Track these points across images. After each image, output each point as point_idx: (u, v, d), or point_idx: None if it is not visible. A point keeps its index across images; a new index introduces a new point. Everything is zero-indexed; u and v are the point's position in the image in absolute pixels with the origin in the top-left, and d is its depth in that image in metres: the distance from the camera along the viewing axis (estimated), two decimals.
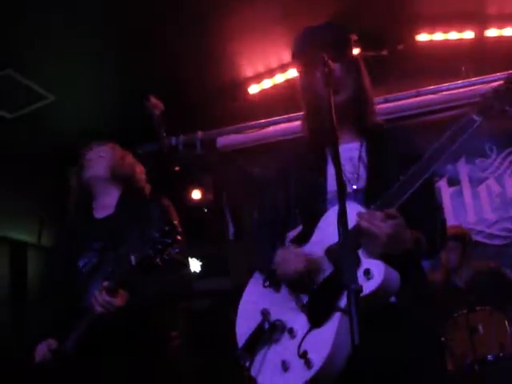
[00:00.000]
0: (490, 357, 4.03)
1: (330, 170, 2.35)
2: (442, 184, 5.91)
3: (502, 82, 2.17)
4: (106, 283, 2.71)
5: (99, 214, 3.11)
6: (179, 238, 2.71)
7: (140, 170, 3.26)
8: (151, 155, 5.63)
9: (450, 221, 5.61)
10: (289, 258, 2.22)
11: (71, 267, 2.99)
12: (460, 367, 4.08)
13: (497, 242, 5.81)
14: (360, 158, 2.34)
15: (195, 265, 6.26)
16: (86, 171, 3.16)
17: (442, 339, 4.06)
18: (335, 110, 2.00)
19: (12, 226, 6.06)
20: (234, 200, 6.37)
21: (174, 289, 2.97)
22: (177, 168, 5.82)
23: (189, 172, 6.12)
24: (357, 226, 2.04)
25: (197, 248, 6.17)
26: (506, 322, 4.17)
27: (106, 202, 3.12)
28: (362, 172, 2.31)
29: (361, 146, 2.37)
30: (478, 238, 5.75)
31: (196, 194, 6.24)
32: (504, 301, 4.47)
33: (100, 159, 3.17)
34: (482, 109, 2.14)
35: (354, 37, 2.48)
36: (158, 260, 2.60)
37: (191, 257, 6.23)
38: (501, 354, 4.01)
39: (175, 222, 2.89)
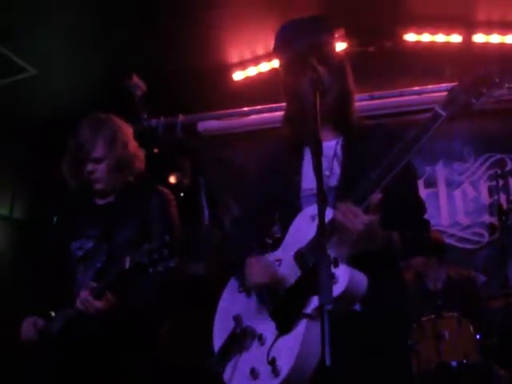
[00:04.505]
0: (453, 363, 4.08)
1: (306, 169, 2.36)
2: (419, 185, 5.93)
3: (469, 75, 2.12)
4: (92, 284, 2.68)
5: (99, 199, 3.03)
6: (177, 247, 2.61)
7: (141, 157, 3.11)
8: None
9: None
10: (255, 270, 2.24)
11: (64, 248, 2.95)
12: (424, 371, 4.13)
13: (467, 246, 5.88)
14: (335, 154, 2.32)
15: None
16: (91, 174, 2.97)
17: (409, 342, 4.11)
18: (319, 112, 2.00)
19: None
20: (211, 185, 6.34)
21: (162, 296, 2.90)
22: (156, 150, 5.75)
23: (167, 155, 6.05)
24: (331, 221, 2.04)
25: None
26: (472, 330, 4.23)
27: (107, 189, 3.01)
28: (336, 169, 2.30)
29: (337, 143, 2.35)
30: (450, 241, 5.81)
31: (173, 178, 6.19)
32: (472, 308, 4.52)
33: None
34: (447, 102, 2.10)
35: (341, 32, 2.46)
36: (151, 270, 2.52)
37: None
38: (464, 361, 4.07)
39: (175, 224, 2.83)
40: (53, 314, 2.84)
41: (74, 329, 2.74)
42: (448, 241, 5.72)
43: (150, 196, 2.98)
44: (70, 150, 3.01)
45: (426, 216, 2.38)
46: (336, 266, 1.98)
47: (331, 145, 2.33)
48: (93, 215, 2.98)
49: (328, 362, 1.59)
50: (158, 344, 2.93)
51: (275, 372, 2.06)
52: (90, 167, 2.94)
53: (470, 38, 5.82)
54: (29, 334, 2.84)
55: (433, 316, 4.30)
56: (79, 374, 2.73)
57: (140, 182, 3.08)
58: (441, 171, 6.02)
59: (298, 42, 2.31)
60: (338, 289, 1.97)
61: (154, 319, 2.94)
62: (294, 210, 2.29)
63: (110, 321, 2.68)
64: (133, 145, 3.08)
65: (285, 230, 2.32)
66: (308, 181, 2.31)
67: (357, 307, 2.10)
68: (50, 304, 2.87)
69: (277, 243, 2.36)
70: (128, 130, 3.10)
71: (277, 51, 2.43)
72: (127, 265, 2.58)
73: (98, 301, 2.64)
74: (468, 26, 5.80)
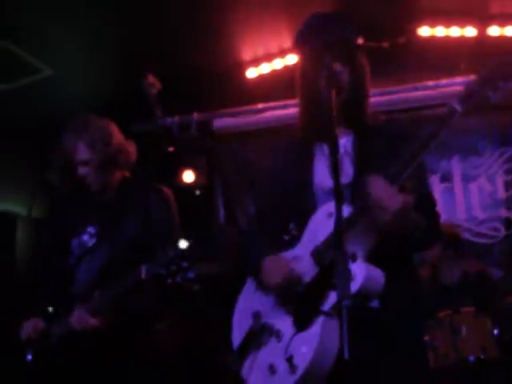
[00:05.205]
0: (471, 358, 4.07)
1: (318, 166, 2.35)
2: (434, 180, 5.89)
3: (485, 68, 2.09)
4: (96, 295, 2.69)
5: (96, 198, 3.05)
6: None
7: (128, 149, 3.09)
8: (145, 134, 5.59)
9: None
10: (269, 271, 2.24)
11: (63, 245, 2.99)
12: (442, 367, 4.12)
13: (484, 240, 5.83)
14: (346, 152, 2.30)
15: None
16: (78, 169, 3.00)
17: (426, 338, 4.11)
18: (334, 109, 2.00)
19: (2, 198, 6.04)
20: (227, 183, 6.36)
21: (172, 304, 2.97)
22: (171, 149, 5.79)
23: (182, 154, 6.08)
24: (363, 203, 2.00)
25: (186, 231, 6.17)
26: (490, 325, 4.21)
27: (102, 188, 3.03)
28: (347, 167, 2.28)
29: (347, 140, 2.33)
30: (466, 236, 5.77)
31: (189, 176, 6.21)
32: (489, 303, 4.50)
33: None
34: (463, 97, 2.07)
35: (361, 40, 2.45)
36: (169, 280, 2.50)
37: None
38: (482, 357, 4.06)
39: (175, 224, 2.85)
40: (50, 309, 2.88)
41: (72, 337, 2.75)
42: (464, 235, 5.69)
43: (149, 194, 2.99)
44: (55, 157, 3.05)
45: (437, 209, 2.36)
46: (354, 261, 1.99)
47: (341, 142, 2.30)
48: (92, 213, 3.02)
49: (346, 355, 1.61)
50: (160, 343, 2.95)
51: (293, 368, 2.07)
52: (81, 171, 2.97)
53: (484, 30, 5.77)
54: (28, 335, 2.88)
55: (450, 311, 4.29)
56: (79, 375, 2.76)
57: (138, 179, 3.10)
58: (456, 165, 5.97)
59: (320, 37, 2.30)
60: (354, 285, 1.96)
61: (157, 321, 2.98)
62: (308, 208, 2.28)
63: (108, 334, 2.69)
64: (116, 140, 3.04)
65: (300, 227, 2.32)
66: (320, 179, 2.31)
67: (375, 304, 2.10)
68: (50, 301, 2.92)
69: (294, 240, 2.35)
70: (109, 127, 3.06)
71: (297, 45, 2.42)
72: (143, 275, 2.57)
73: (94, 318, 2.65)
74: (483, 18, 5.75)
